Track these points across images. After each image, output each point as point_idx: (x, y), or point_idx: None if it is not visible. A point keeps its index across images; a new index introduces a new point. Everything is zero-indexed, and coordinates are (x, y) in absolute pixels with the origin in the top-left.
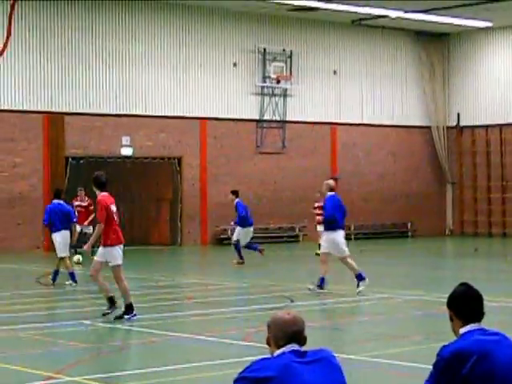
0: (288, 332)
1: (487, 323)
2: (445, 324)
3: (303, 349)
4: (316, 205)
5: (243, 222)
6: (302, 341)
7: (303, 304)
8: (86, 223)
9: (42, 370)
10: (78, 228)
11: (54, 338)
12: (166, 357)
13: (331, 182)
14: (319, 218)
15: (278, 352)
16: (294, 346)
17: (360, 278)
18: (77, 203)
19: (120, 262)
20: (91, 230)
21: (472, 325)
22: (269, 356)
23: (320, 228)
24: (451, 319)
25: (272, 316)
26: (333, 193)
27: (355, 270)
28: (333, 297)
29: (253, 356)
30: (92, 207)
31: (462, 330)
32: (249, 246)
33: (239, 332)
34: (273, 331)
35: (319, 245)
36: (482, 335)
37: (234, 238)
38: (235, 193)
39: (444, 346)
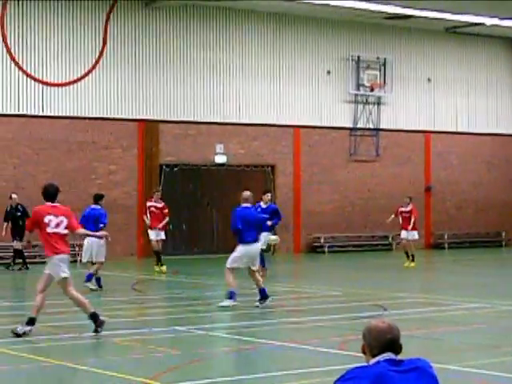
0: (383, 341)
1: None
2: None
3: (400, 357)
4: (402, 209)
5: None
6: (397, 349)
7: (397, 312)
8: (159, 226)
9: (136, 375)
10: (152, 234)
11: (146, 344)
12: (257, 365)
13: (245, 193)
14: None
15: (373, 360)
16: (390, 355)
17: (263, 293)
18: (150, 204)
19: (57, 274)
20: (163, 236)
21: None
22: (364, 364)
23: (404, 234)
24: None
25: (367, 324)
26: (246, 204)
27: (259, 285)
28: (427, 306)
29: (347, 364)
30: (166, 210)
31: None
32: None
33: (333, 340)
34: (367, 340)
35: (406, 253)
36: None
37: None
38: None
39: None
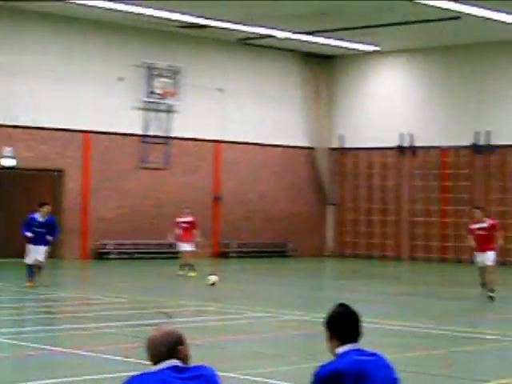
0: (160, 350)
1: (366, 344)
2: (322, 344)
3: (184, 365)
4: (179, 220)
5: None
6: (179, 356)
7: (183, 320)
8: None
9: None
10: None
11: None
12: (39, 371)
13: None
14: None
15: (156, 368)
16: (174, 362)
17: None
18: None
19: None
20: None
21: (349, 345)
22: (146, 371)
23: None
24: (328, 339)
25: (147, 336)
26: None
27: None
28: (213, 314)
29: (130, 372)
30: None
31: (339, 351)
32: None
33: (116, 347)
34: (147, 350)
35: (187, 264)
36: (358, 356)
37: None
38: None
39: (321, 366)
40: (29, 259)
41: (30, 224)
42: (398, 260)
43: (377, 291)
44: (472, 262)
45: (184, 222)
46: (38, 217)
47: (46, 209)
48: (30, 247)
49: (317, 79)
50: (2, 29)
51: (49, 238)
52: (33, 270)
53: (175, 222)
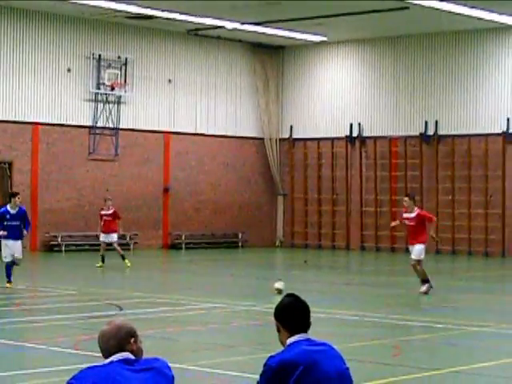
0: (111, 342)
1: (316, 334)
2: (273, 334)
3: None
4: (103, 213)
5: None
6: (131, 349)
7: (133, 312)
8: None
9: None
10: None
11: None
12: None
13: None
14: None
15: (106, 361)
16: (125, 355)
17: None
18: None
19: None
20: None
21: (299, 335)
22: (97, 364)
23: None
24: (278, 330)
25: (100, 330)
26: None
27: None
28: (163, 305)
29: (80, 364)
30: None
31: (289, 341)
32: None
33: (67, 340)
34: (99, 344)
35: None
36: (308, 346)
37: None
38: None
39: (271, 356)
40: (6, 257)
41: (3, 218)
42: (347, 250)
43: (327, 281)
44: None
45: (106, 215)
46: (10, 209)
47: (17, 199)
48: (6, 243)
49: (266, 70)
50: None
51: (24, 232)
52: (11, 268)
53: (98, 215)
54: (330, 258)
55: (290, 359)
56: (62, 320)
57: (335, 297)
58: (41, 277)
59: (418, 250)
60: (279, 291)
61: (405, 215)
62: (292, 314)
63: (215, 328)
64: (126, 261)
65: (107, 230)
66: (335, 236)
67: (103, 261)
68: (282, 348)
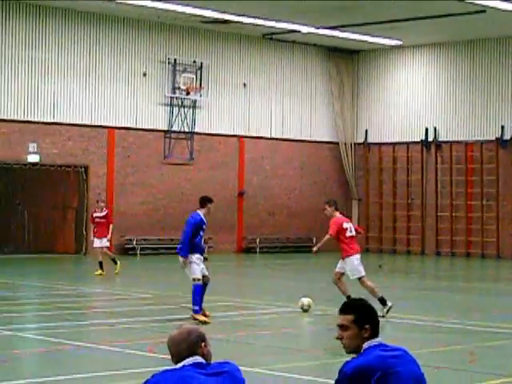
0: (179, 350)
1: (391, 339)
2: None
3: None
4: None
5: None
6: (202, 353)
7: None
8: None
9: None
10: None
11: None
12: (64, 366)
13: None
14: None
15: (179, 365)
16: (197, 359)
17: None
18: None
19: None
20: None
21: (373, 340)
22: (169, 368)
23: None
24: (346, 332)
25: (169, 334)
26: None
27: None
28: (238, 309)
29: (154, 367)
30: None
31: (366, 345)
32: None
33: (142, 343)
34: (168, 349)
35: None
36: (383, 351)
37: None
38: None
39: (347, 362)
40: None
41: (200, 228)
42: (422, 255)
43: (401, 286)
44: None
45: (98, 217)
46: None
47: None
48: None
49: (341, 74)
50: (26, 25)
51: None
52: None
53: (91, 217)
54: (405, 263)
55: (367, 365)
56: (136, 323)
57: (410, 302)
58: (116, 280)
59: (348, 261)
60: (305, 309)
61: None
62: (377, 317)
63: (288, 332)
64: (118, 265)
65: (100, 235)
66: (410, 241)
67: (101, 267)
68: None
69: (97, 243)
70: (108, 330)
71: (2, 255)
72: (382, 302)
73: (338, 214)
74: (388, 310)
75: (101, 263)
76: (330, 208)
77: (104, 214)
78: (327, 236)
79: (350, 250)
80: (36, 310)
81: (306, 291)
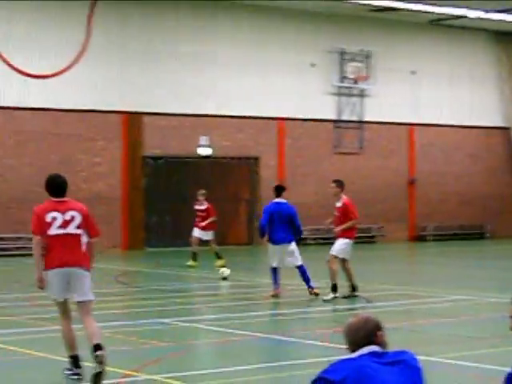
0: (357, 338)
1: None
2: None
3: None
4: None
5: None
6: (377, 342)
7: (381, 304)
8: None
9: (122, 367)
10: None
11: (131, 336)
12: (242, 356)
13: None
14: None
15: (356, 354)
16: (373, 348)
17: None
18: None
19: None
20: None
21: None
22: (346, 357)
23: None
24: None
25: (346, 323)
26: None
27: None
28: (411, 298)
29: (332, 357)
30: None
31: None
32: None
33: (317, 332)
34: (345, 337)
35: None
36: None
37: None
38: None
39: None
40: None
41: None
42: None
43: None
44: None
45: (199, 211)
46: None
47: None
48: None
49: (510, 58)
50: (194, 19)
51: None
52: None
53: (194, 210)
54: None
55: None
56: (309, 313)
57: None
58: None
59: (337, 245)
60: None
61: (336, 204)
62: None
63: (463, 320)
64: (221, 261)
65: (204, 228)
66: None
67: (195, 259)
68: None
69: (198, 233)
70: (282, 320)
71: (175, 247)
72: (334, 288)
73: (344, 195)
74: (332, 299)
75: (194, 254)
76: (338, 189)
77: (204, 207)
78: (354, 221)
79: (354, 233)
80: (209, 301)
81: (479, 279)
